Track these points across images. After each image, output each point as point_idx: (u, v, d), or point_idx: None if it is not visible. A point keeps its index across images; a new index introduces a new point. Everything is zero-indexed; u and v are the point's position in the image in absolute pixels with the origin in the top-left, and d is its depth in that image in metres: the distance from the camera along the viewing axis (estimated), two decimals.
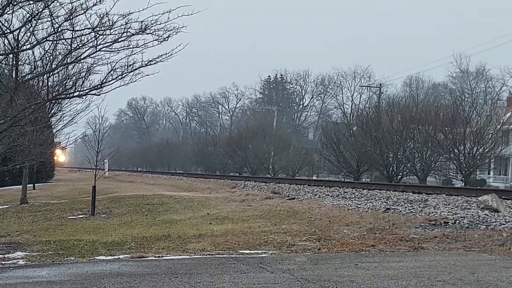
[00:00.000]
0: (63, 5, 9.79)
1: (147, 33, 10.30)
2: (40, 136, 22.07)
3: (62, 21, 9.96)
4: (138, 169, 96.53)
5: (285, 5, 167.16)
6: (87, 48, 10.50)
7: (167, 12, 9.91)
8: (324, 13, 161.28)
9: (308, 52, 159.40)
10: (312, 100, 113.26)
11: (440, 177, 46.43)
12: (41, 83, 15.60)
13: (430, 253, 9.61)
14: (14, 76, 11.10)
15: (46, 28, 10.33)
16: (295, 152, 65.45)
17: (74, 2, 9.68)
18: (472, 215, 13.97)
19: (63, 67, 12.09)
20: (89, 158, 22.50)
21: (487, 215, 13.93)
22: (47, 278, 7.70)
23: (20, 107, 11.05)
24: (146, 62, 10.68)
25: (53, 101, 18.78)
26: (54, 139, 30.12)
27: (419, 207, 16.25)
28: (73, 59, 10.95)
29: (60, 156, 74.21)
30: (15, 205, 26.57)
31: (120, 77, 10.77)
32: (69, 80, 13.64)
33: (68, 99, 20.54)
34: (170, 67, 12.55)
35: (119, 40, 10.34)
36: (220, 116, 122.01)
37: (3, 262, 9.88)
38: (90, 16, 9.87)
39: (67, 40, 10.42)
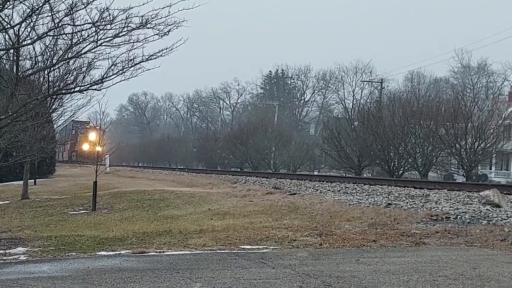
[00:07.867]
0: (63, 0, 9.79)
1: (148, 28, 10.29)
2: (41, 131, 22.08)
3: (63, 16, 9.97)
4: (139, 165, 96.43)
5: (287, 1, 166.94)
6: (87, 43, 10.51)
7: (168, 6, 9.92)
8: (326, 9, 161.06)
9: (310, 47, 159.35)
10: (313, 95, 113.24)
11: (441, 172, 46.35)
12: (42, 78, 15.60)
13: (431, 248, 9.60)
14: (15, 71, 11.09)
15: (47, 23, 10.33)
16: (297, 148, 65.40)
17: None
18: (474, 210, 13.94)
19: (64, 62, 12.07)
20: None
21: (489, 210, 13.90)
22: (48, 274, 7.69)
23: (21, 102, 11.05)
24: (147, 57, 10.68)
25: (54, 96, 18.78)
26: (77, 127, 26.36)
27: (421, 202, 16.23)
28: (73, 54, 10.95)
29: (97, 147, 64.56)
30: (16, 200, 26.54)
31: (121, 72, 10.77)
32: (70, 75, 13.66)
33: (69, 94, 20.52)
34: (171, 62, 12.54)
35: (120, 34, 10.33)
36: (221, 112, 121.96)
37: (5, 258, 9.89)
38: (91, 11, 9.89)
39: (67, 35, 10.43)
